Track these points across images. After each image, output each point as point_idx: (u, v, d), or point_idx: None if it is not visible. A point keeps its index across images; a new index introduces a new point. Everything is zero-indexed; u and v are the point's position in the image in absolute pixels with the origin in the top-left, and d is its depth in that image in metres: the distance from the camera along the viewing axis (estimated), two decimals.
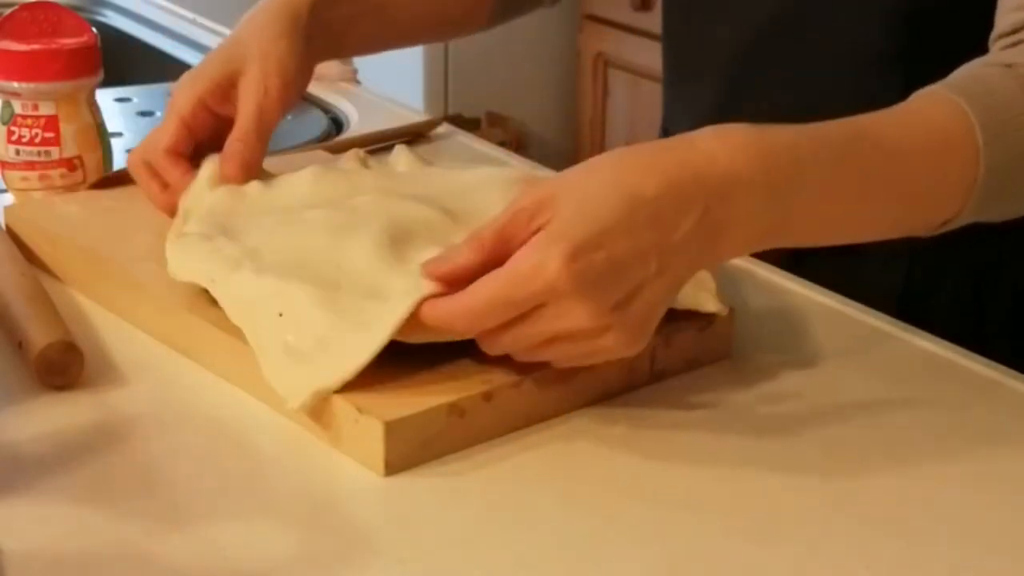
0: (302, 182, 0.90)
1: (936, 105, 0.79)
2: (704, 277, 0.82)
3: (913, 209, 0.79)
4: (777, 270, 0.97)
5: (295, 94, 0.95)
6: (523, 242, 0.70)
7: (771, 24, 0.98)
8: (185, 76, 0.95)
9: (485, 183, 0.88)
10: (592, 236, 0.69)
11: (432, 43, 1.34)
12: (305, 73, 0.95)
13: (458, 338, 0.73)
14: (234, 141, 0.90)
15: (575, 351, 0.72)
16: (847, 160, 0.76)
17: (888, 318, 0.90)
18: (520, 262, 0.69)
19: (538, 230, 0.70)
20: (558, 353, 0.73)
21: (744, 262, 0.96)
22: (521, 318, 0.70)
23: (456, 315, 0.71)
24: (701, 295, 0.81)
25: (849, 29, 0.98)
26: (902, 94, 0.80)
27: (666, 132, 1.15)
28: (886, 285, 0.99)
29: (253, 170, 0.90)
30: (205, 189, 0.88)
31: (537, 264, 0.68)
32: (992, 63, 0.81)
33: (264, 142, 0.91)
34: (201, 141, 0.93)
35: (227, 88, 0.92)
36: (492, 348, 0.73)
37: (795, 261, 0.96)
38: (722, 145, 0.73)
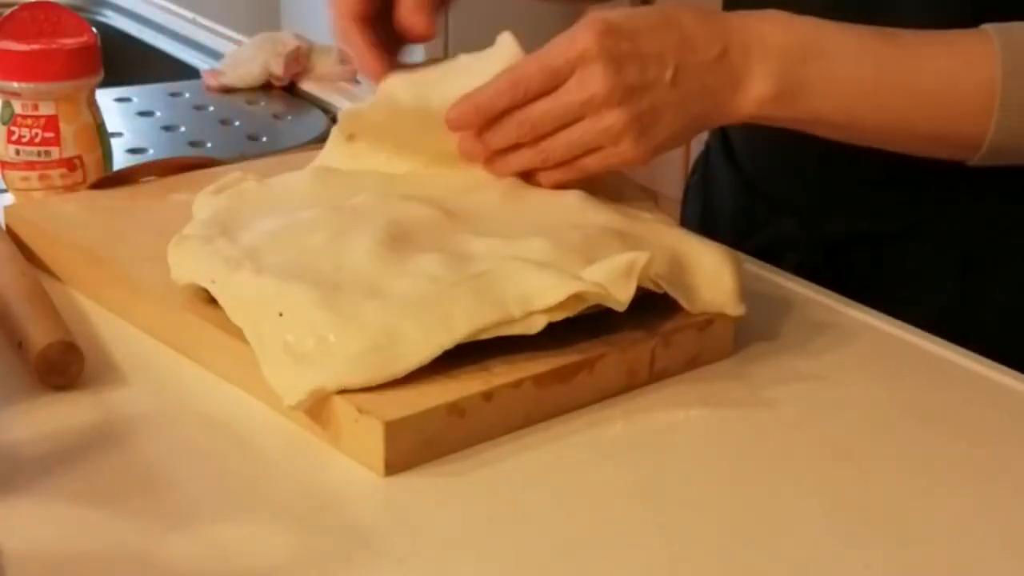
0: (302, 182, 0.90)
1: (969, 36, 0.83)
2: (726, 280, 0.82)
3: (930, 110, 0.83)
4: (777, 270, 0.97)
5: None
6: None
7: (835, 8, 0.96)
8: None
9: (485, 183, 0.88)
10: (625, 25, 0.81)
11: None
12: None
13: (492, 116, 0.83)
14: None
15: (585, 131, 0.82)
16: (867, 44, 0.83)
17: (888, 318, 0.90)
18: (560, 38, 0.82)
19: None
20: (573, 135, 0.82)
21: (744, 262, 0.96)
22: (547, 94, 0.81)
23: (501, 84, 0.82)
24: (723, 298, 0.81)
25: (917, 13, 0.95)
26: None
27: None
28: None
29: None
30: (209, 197, 0.89)
31: (573, 35, 0.81)
32: None
33: None
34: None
35: None
36: (521, 129, 0.83)
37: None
38: (754, 14, 0.84)
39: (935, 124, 0.84)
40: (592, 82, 0.80)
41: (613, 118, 0.81)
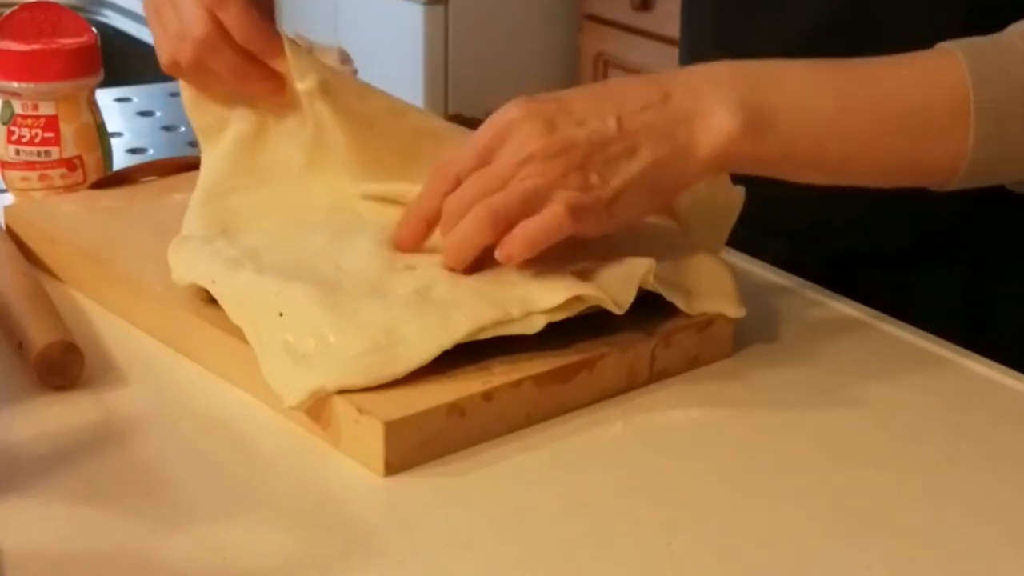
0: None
1: (930, 54, 0.79)
2: (725, 281, 0.82)
3: (902, 130, 0.77)
4: (777, 270, 0.97)
5: None
6: None
7: (829, 23, 0.95)
8: None
9: None
10: (551, 95, 0.76)
11: None
12: None
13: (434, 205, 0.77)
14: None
15: (535, 182, 0.74)
16: (821, 71, 0.78)
17: (887, 317, 0.90)
18: (487, 120, 0.76)
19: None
20: (518, 188, 0.74)
21: (744, 262, 0.96)
22: (488, 162, 0.75)
23: (436, 173, 0.77)
24: (722, 299, 0.81)
25: (911, 27, 0.92)
26: None
27: None
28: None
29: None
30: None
31: (497, 115, 0.76)
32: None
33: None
34: None
35: None
36: (459, 203, 0.75)
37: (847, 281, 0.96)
38: (697, 66, 0.78)
39: (908, 145, 0.78)
40: (526, 142, 0.74)
41: (559, 166, 0.74)
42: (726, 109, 0.75)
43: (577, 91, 0.78)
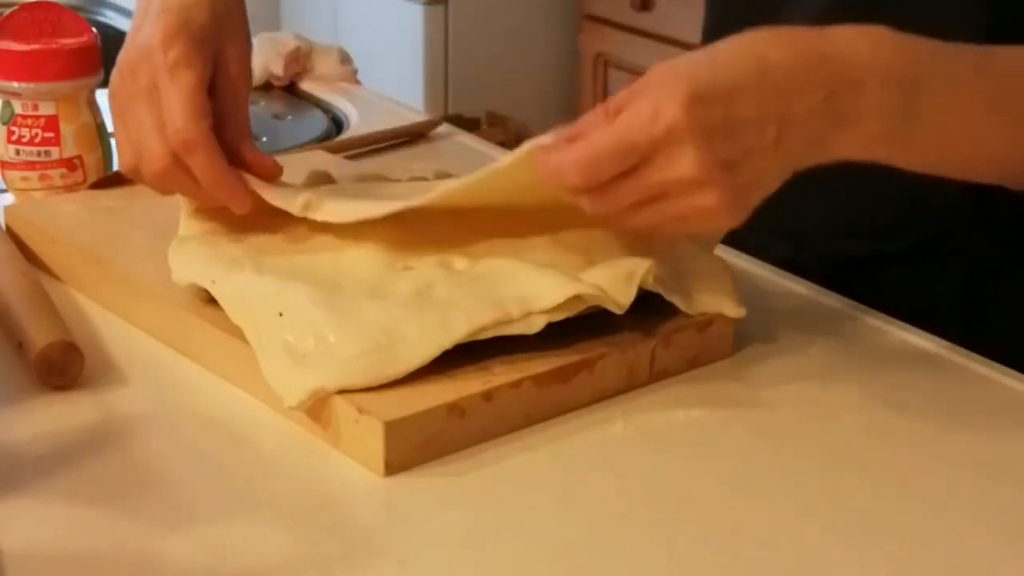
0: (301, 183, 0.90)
1: None
2: (724, 281, 0.82)
3: None
4: (777, 270, 0.97)
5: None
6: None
7: (844, 8, 0.93)
8: None
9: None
10: (716, 87, 0.69)
11: None
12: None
13: (564, 192, 0.72)
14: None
15: (675, 209, 0.71)
16: (979, 75, 0.74)
17: (887, 317, 0.90)
18: (641, 106, 0.69)
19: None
20: (658, 213, 0.71)
21: (744, 262, 0.96)
22: (630, 170, 0.70)
23: (569, 163, 0.70)
24: (721, 299, 0.81)
25: (929, 9, 0.91)
26: None
27: None
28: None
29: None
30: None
31: (656, 106, 0.68)
32: None
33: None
34: None
35: None
36: (596, 204, 0.71)
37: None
38: (863, 35, 0.72)
39: None
40: (682, 163, 0.69)
41: (705, 198, 0.70)
42: (879, 119, 0.72)
43: (740, 77, 0.70)
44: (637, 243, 0.80)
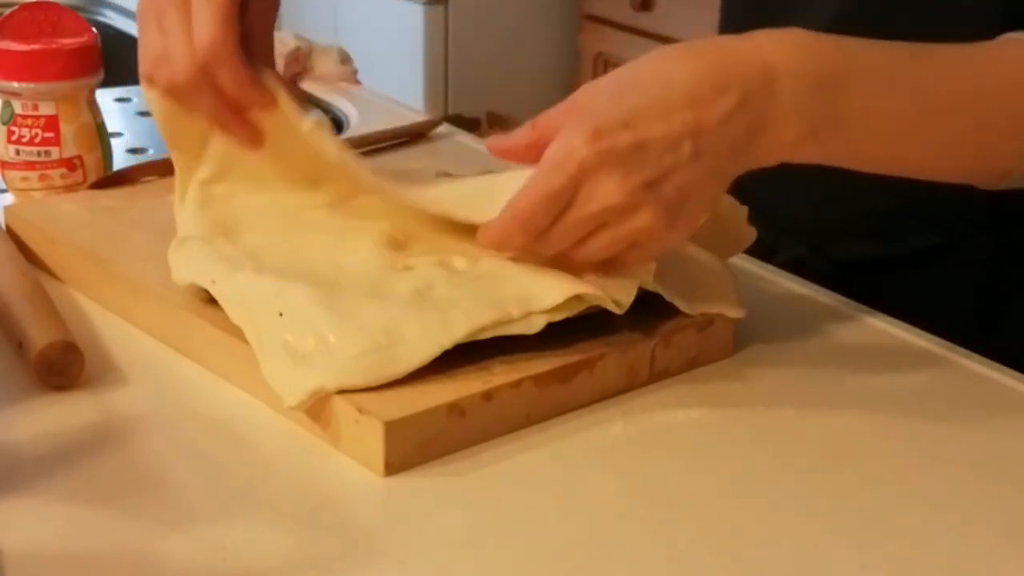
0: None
1: (1013, 44, 0.76)
2: (725, 282, 0.82)
3: (969, 142, 0.76)
4: (778, 270, 0.97)
5: None
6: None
7: (854, 15, 0.91)
8: None
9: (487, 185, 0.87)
10: (618, 115, 0.71)
11: None
12: None
13: (525, 253, 0.75)
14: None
15: (616, 236, 0.73)
16: (904, 68, 0.74)
17: (887, 318, 0.90)
18: (551, 151, 0.71)
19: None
20: (606, 242, 0.73)
21: (746, 263, 0.96)
22: (565, 209, 0.72)
23: (507, 226, 0.73)
24: (722, 300, 0.81)
25: (938, 14, 0.90)
26: None
27: None
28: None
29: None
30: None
31: (564, 147, 0.71)
32: None
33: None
34: None
35: None
36: (548, 248, 0.74)
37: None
38: (769, 38, 0.72)
39: (991, 142, 0.76)
40: (603, 192, 0.71)
41: (640, 219, 0.72)
42: (798, 119, 0.72)
43: (643, 95, 0.71)
44: None
